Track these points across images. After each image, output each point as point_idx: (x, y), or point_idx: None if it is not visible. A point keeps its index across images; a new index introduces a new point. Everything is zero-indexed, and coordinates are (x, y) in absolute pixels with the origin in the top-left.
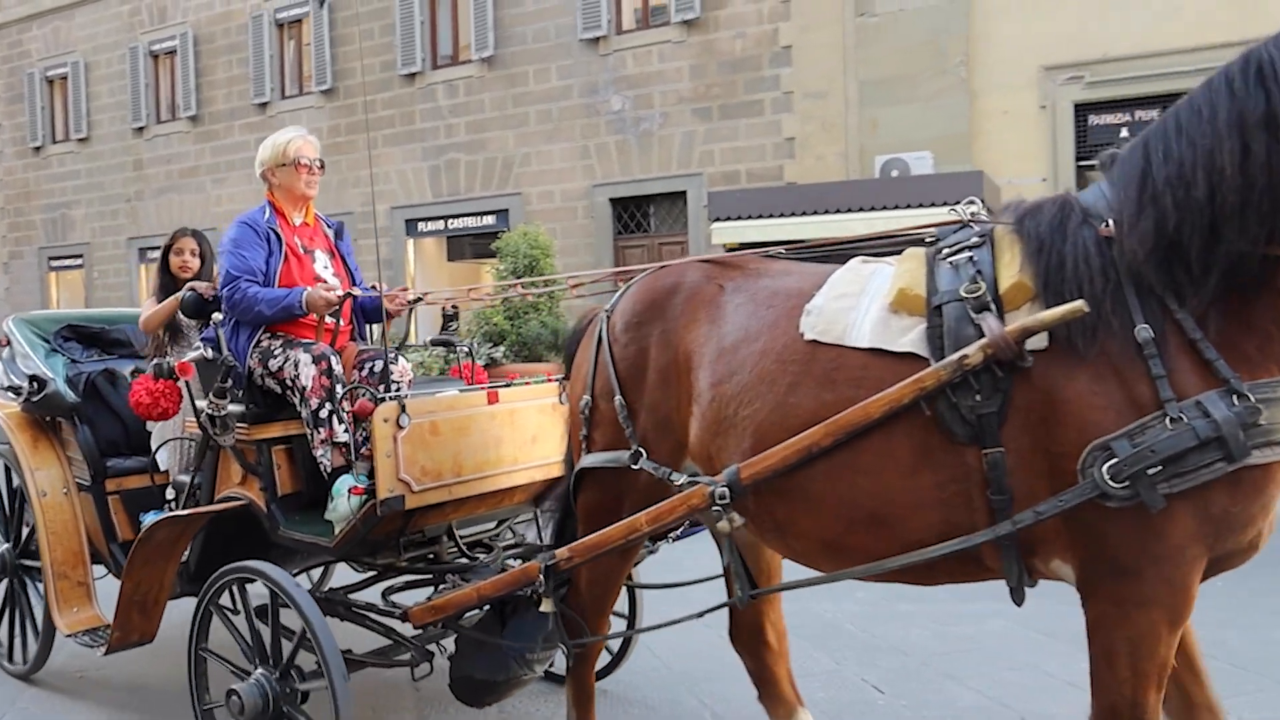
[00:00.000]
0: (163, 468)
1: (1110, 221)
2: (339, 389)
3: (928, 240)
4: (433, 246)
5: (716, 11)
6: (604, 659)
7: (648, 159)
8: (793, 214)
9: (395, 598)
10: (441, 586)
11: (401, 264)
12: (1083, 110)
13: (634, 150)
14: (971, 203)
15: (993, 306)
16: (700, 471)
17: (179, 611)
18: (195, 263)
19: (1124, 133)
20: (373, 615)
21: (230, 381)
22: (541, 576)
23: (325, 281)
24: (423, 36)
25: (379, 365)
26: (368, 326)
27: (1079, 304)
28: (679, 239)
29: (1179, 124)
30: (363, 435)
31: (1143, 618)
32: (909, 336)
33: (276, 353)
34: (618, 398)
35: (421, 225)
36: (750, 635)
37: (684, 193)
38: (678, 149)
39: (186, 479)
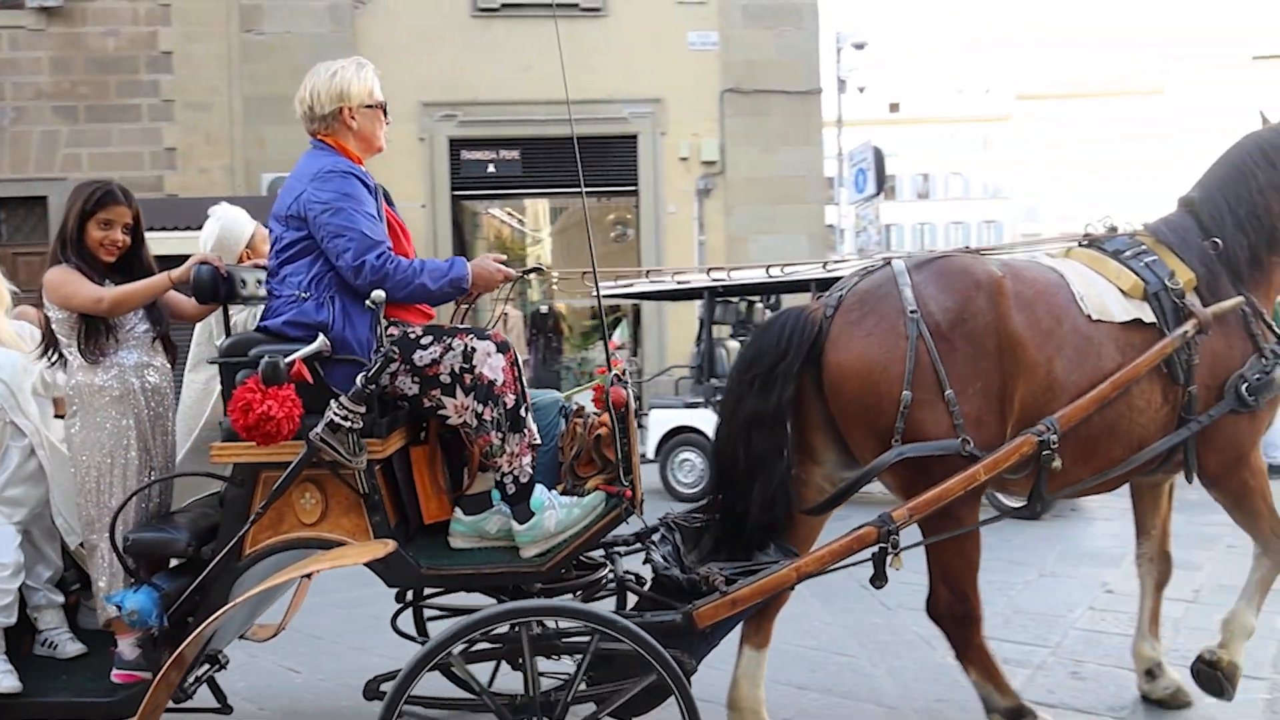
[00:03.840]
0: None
1: (1217, 240)
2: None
3: (1081, 243)
4: None
5: (84, 3)
6: None
7: None
8: (175, 227)
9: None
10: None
11: None
12: (456, 145)
13: None
14: (1108, 218)
15: (1189, 296)
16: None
17: None
18: (126, 241)
19: (490, 168)
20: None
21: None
22: (894, 538)
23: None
24: None
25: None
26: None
27: (1240, 299)
28: (40, 249)
29: (1241, 175)
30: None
31: (1262, 479)
32: (1144, 312)
33: (426, 343)
34: (948, 391)
35: None
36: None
37: (45, 198)
38: (36, 149)
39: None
